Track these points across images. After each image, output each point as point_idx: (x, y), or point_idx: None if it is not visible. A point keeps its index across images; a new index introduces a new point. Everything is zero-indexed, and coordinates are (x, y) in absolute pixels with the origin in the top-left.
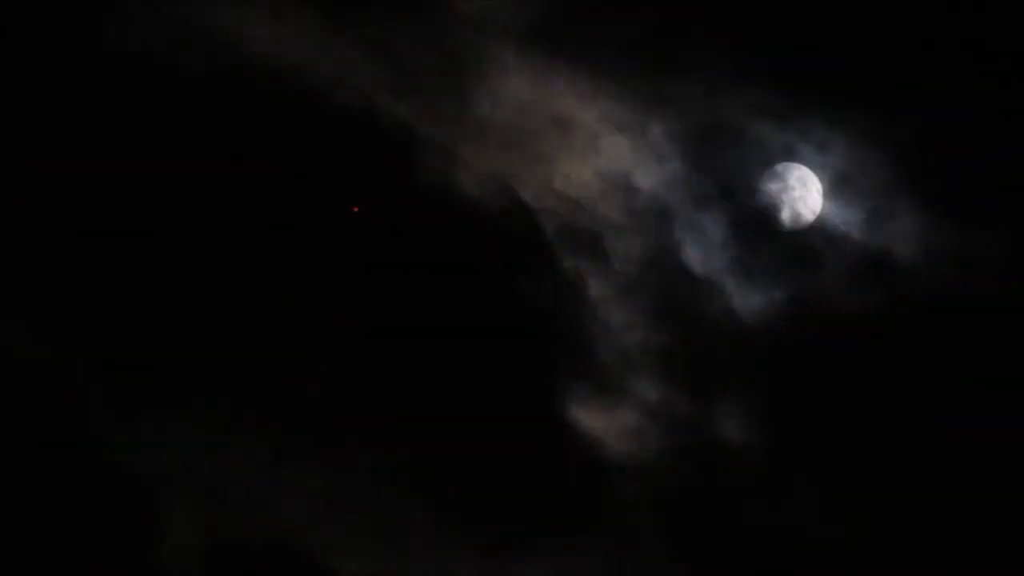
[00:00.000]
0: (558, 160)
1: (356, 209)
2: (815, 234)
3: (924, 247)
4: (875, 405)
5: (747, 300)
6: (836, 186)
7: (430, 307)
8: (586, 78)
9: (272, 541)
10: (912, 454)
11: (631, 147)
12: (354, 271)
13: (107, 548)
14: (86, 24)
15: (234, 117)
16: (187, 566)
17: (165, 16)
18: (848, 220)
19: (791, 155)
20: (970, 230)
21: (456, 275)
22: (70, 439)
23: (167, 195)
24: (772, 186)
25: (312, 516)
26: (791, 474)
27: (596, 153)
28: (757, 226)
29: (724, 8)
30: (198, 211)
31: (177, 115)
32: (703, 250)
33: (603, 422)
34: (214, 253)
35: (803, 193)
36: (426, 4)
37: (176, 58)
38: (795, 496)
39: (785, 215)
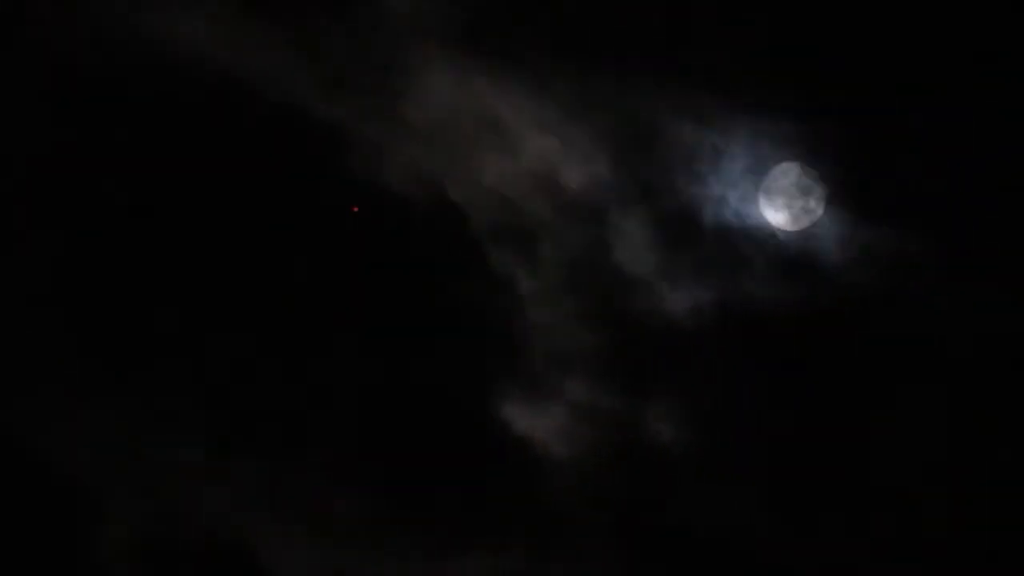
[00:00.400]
0: (487, 159)
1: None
2: (745, 234)
3: (852, 247)
4: (806, 404)
5: (678, 300)
6: (765, 185)
7: (359, 306)
8: (514, 77)
9: (208, 540)
10: (842, 453)
11: (560, 146)
12: (285, 270)
13: (40, 547)
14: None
15: (159, 117)
16: (122, 565)
17: (91, 15)
18: (777, 220)
19: (720, 155)
20: (897, 230)
21: (384, 274)
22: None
23: (93, 195)
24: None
25: (248, 515)
26: (724, 473)
27: (525, 152)
28: (687, 226)
29: (652, 8)
30: (119, 210)
31: (102, 115)
32: (634, 249)
33: (534, 422)
34: (138, 251)
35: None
36: (355, 3)
37: (101, 57)
38: (728, 495)
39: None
